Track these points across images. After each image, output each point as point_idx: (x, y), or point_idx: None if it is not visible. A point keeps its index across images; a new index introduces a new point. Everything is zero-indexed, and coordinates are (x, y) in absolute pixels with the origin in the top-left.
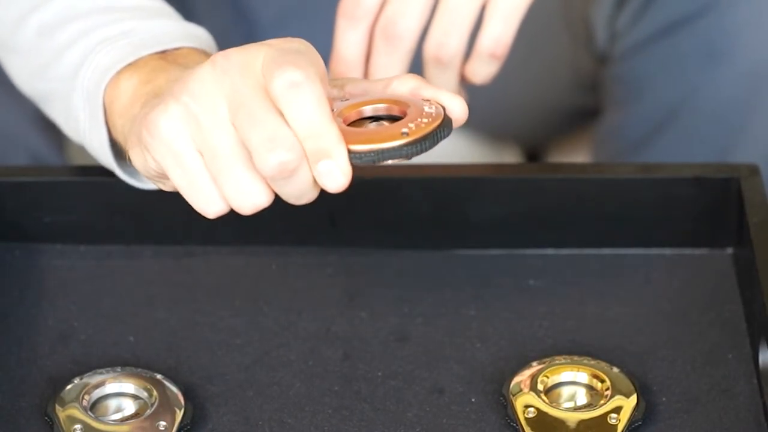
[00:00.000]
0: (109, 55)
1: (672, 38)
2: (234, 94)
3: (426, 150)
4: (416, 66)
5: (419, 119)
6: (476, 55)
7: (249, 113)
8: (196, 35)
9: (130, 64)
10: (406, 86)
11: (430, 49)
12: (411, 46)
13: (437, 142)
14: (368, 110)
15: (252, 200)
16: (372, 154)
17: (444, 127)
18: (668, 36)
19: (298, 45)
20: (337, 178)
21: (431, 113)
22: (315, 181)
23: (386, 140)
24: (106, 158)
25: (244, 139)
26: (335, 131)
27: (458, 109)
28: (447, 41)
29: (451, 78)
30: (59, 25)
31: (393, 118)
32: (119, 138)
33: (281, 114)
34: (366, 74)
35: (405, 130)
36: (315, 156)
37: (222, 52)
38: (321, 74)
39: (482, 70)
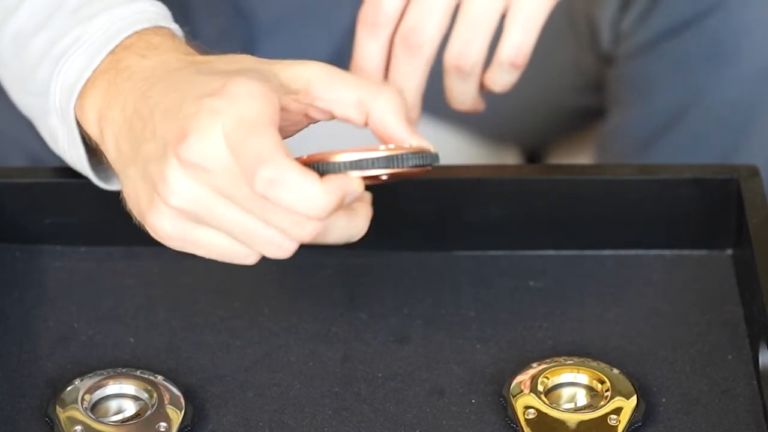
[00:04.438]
0: (69, 73)
1: (678, 39)
2: (223, 190)
3: (410, 165)
4: (435, 74)
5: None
6: (496, 63)
7: (257, 207)
8: (139, 11)
9: (89, 80)
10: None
11: (450, 58)
12: (431, 54)
13: (423, 163)
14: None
15: (287, 251)
16: (361, 162)
17: (428, 155)
18: (674, 37)
19: (245, 85)
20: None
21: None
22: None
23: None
24: (85, 172)
25: (267, 222)
26: (336, 197)
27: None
28: (468, 50)
29: (471, 87)
30: (29, 36)
31: None
32: (94, 145)
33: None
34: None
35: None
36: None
37: (180, 143)
38: (273, 101)
39: (502, 79)
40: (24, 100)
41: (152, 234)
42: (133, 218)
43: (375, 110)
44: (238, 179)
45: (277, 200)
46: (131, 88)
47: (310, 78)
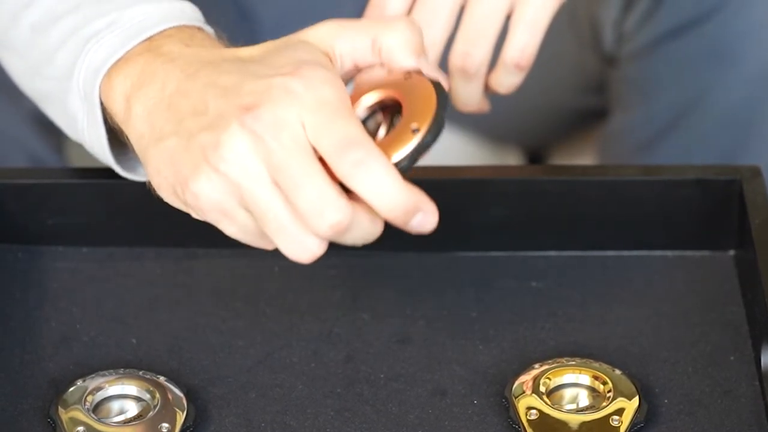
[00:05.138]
0: (98, 53)
1: (680, 40)
2: (271, 158)
3: (442, 126)
4: None
5: (416, 105)
6: (501, 65)
7: (290, 178)
8: (181, 10)
9: (120, 60)
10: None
11: (455, 59)
12: (436, 56)
13: (444, 116)
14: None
15: (307, 252)
16: (405, 161)
17: (441, 97)
18: (676, 38)
19: (319, 71)
20: (431, 222)
21: (424, 88)
22: (373, 222)
23: (404, 142)
24: (105, 156)
25: (292, 203)
26: (413, 195)
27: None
28: (472, 52)
29: (476, 88)
30: (51, 23)
31: (385, 108)
32: (116, 128)
33: (321, 171)
34: None
35: (414, 126)
36: (404, 219)
37: (247, 113)
38: (344, 88)
39: (507, 81)
40: (36, 85)
41: (191, 201)
42: (156, 194)
43: (385, 46)
44: (300, 153)
45: (359, 182)
46: (174, 69)
47: (327, 37)
